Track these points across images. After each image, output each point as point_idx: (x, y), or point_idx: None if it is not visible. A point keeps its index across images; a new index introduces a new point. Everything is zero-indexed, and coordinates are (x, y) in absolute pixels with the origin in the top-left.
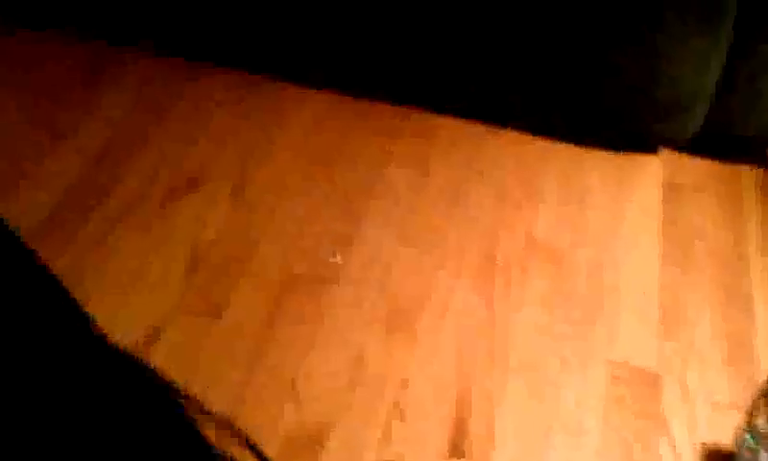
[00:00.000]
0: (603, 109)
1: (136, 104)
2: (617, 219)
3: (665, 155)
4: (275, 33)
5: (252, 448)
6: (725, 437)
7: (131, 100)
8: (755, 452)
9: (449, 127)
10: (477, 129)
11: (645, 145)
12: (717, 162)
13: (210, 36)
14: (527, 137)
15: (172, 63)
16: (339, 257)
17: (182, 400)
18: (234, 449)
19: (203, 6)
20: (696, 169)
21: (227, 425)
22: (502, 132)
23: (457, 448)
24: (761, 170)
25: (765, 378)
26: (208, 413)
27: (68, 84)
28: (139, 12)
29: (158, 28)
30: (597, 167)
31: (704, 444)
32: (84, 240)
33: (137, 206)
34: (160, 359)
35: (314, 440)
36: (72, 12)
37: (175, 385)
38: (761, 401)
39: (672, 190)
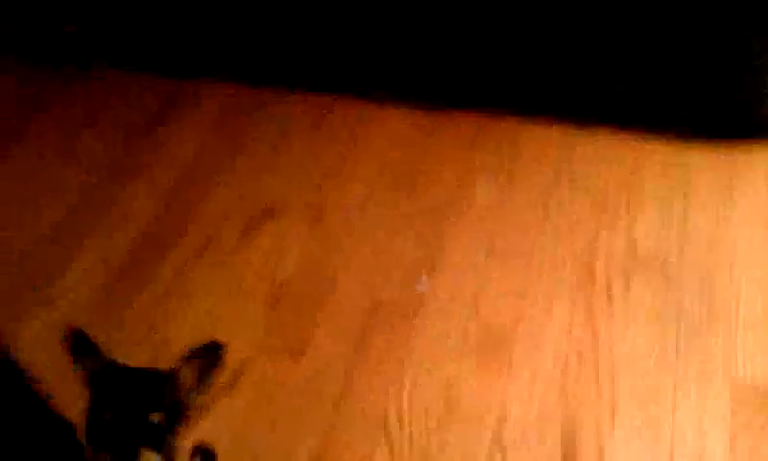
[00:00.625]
0: (721, 95)
1: (210, 136)
2: (728, 220)
3: None
4: (347, 51)
5: None
6: None
7: (204, 133)
8: None
9: (535, 131)
10: (566, 131)
11: (757, 132)
12: None
13: (281, 60)
14: (622, 136)
15: (244, 93)
16: (424, 283)
17: None
18: None
19: (272, 30)
20: None
21: None
22: (594, 132)
23: None
24: None
25: None
26: None
27: (142, 121)
28: (209, 44)
29: (230, 58)
30: (702, 163)
31: None
32: (161, 281)
33: (213, 243)
34: (244, 401)
35: None
36: (145, 49)
37: None
38: None
39: None
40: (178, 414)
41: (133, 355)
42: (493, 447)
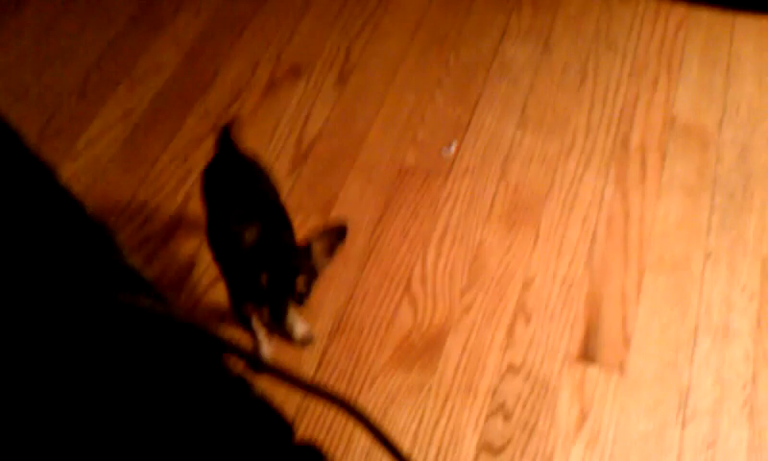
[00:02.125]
0: None
1: None
2: None
3: None
4: None
5: (375, 431)
6: None
7: None
8: None
9: None
10: None
11: None
12: None
13: None
14: (666, 4)
15: None
16: (454, 147)
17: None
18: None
19: None
20: None
21: (346, 406)
22: None
23: (588, 352)
24: None
25: None
26: (329, 396)
27: None
28: None
29: None
30: (748, 33)
31: None
32: (186, 135)
33: (237, 100)
34: None
35: (432, 344)
36: None
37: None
38: None
39: None
40: (313, 278)
41: (160, 209)
42: (518, 312)
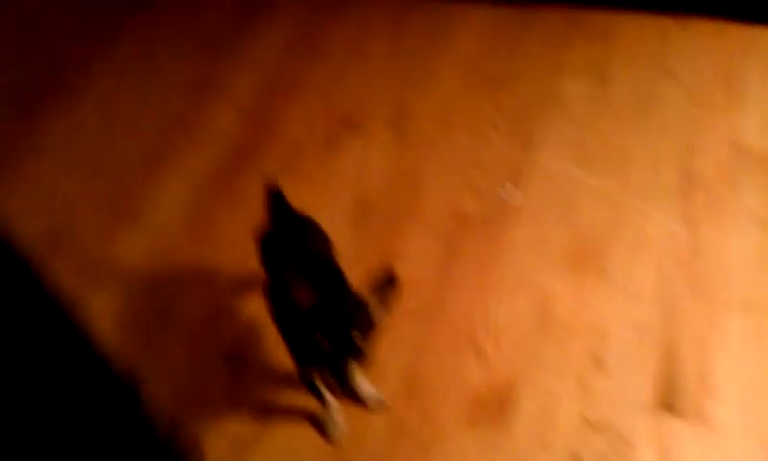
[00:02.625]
0: None
1: (288, 45)
2: None
3: None
4: None
5: None
6: None
7: (281, 42)
8: None
9: (629, 24)
10: (661, 23)
11: None
12: None
13: None
14: (723, 26)
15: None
16: (514, 191)
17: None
18: None
19: None
20: None
21: None
22: (693, 22)
23: (667, 401)
24: None
25: None
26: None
27: (218, 34)
28: None
29: None
30: None
31: None
32: (247, 197)
33: (297, 157)
34: None
35: (503, 400)
36: None
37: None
38: None
39: None
40: (371, 332)
41: (223, 263)
42: (590, 362)
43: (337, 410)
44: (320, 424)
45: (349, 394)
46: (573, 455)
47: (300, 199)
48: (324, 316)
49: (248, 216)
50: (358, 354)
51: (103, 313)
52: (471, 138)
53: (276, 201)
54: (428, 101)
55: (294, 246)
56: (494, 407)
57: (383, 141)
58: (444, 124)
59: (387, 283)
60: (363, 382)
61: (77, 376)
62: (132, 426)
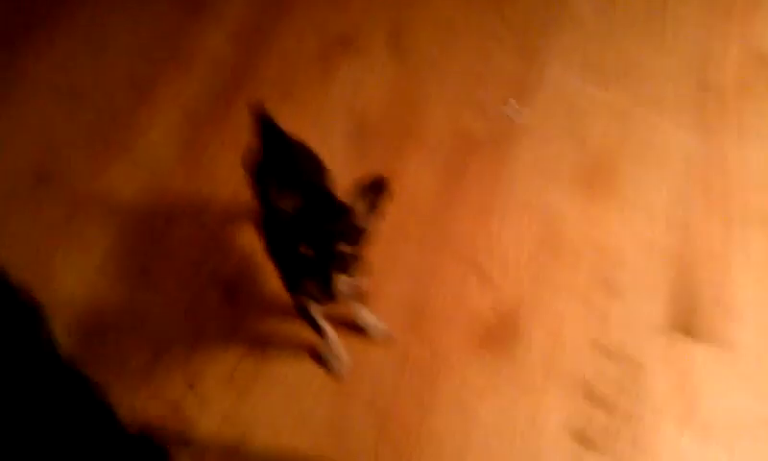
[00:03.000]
0: None
1: None
2: None
3: None
4: None
5: None
6: None
7: None
8: None
9: None
10: None
11: None
12: None
13: None
14: None
15: None
16: (518, 108)
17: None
18: None
19: None
20: None
21: None
22: None
23: (683, 324)
24: None
25: None
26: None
27: None
28: None
29: None
30: None
31: None
32: (237, 116)
33: (291, 80)
34: None
35: (510, 327)
36: None
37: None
38: None
39: None
40: (358, 240)
41: (217, 193)
42: (601, 285)
43: (336, 342)
44: (320, 358)
45: (337, 302)
46: (583, 383)
47: (295, 123)
48: (307, 222)
49: (241, 144)
50: (344, 262)
51: (94, 246)
52: (474, 54)
53: (266, 126)
54: (428, 15)
55: (284, 171)
56: (501, 334)
57: (380, 59)
58: (445, 39)
59: (374, 187)
60: (366, 313)
61: (48, 387)
62: (101, 428)
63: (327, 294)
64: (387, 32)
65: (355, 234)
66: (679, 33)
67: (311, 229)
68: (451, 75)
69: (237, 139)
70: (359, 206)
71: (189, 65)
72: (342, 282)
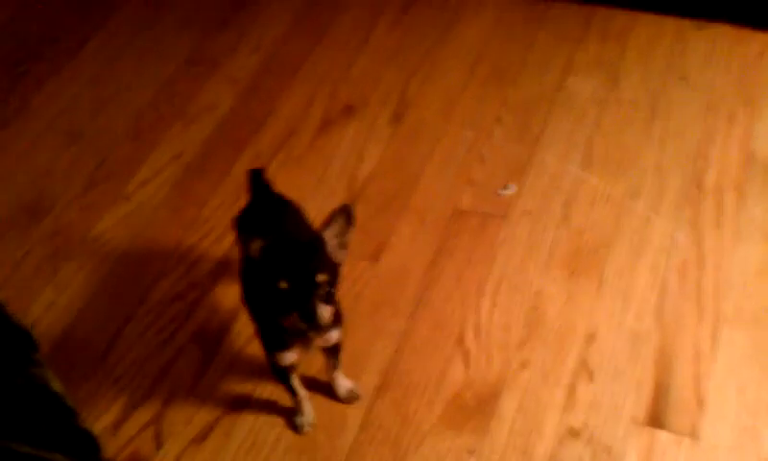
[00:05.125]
0: None
1: (292, 25)
2: None
3: None
4: None
5: None
6: None
7: (286, 21)
8: None
9: (644, 24)
10: (679, 24)
11: None
12: None
13: None
14: (741, 32)
15: None
16: (513, 188)
17: None
18: None
19: None
20: None
21: None
22: (710, 26)
23: (656, 415)
24: None
25: None
26: None
27: (219, 9)
28: None
29: None
30: None
31: None
32: (237, 176)
33: (291, 140)
34: None
35: (485, 404)
36: None
37: None
38: None
39: None
40: (333, 270)
41: (207, 254)
42: (579, 369)
43: (307, 401)
44: (289, 415)
45: (320, 332)
46: None
47: (290, 182)
48: (284, 263)
49: (235, 197)
50: (325, 296)
51: (78, 290)
52: (474, 132)
53: (256, 180)
54: (432, 91)
55: (264, 222)
56: (475, 410)
57: (381, 128)
58: (447, 115)
59: (342, 216)
60: (339, 375)
61: None
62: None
63: (311, 323)
64: (390, 103)
65: (328, 264)
66: (676, 130)
67: (286, 262)
68: (450, 150)
69: (236, 198)
70: (328, 236)
71: (193, 119)
72: (323, 309)
